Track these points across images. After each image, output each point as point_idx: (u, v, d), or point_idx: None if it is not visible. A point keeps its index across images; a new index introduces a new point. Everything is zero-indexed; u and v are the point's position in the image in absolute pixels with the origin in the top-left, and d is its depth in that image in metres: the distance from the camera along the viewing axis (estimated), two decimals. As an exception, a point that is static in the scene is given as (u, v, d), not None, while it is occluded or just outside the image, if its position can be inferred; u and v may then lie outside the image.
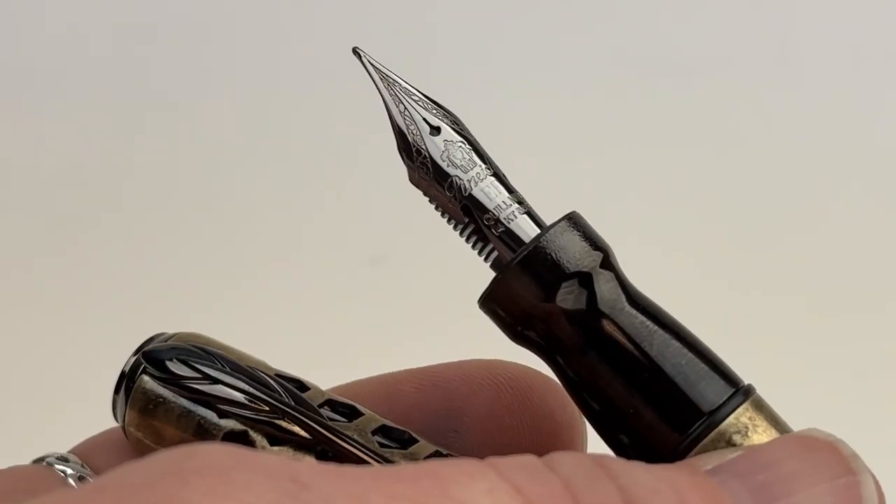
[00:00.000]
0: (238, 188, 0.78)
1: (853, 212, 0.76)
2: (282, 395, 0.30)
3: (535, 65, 0.83)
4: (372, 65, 0.31)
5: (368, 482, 0.21)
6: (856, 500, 0.24)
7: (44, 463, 0.33)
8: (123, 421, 0.32)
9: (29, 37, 0.83)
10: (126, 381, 0.32)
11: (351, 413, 0.32)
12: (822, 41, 0.83)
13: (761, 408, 0.29)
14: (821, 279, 0.72)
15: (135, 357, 0.32)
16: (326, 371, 0.36)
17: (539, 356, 0.31)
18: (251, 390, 0.30)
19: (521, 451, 0.32)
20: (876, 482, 0.25)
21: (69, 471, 0.32)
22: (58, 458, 0.33)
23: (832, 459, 0.25)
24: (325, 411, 0.32)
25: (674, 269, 0.71)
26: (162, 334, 0.33)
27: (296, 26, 0.84)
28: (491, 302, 0.30)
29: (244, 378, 0.30)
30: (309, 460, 0.30)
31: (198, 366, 0.30)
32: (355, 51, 0.31)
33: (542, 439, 0.33)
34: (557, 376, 0.30)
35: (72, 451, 0.34)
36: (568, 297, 0.29)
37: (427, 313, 0.67)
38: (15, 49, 0.83)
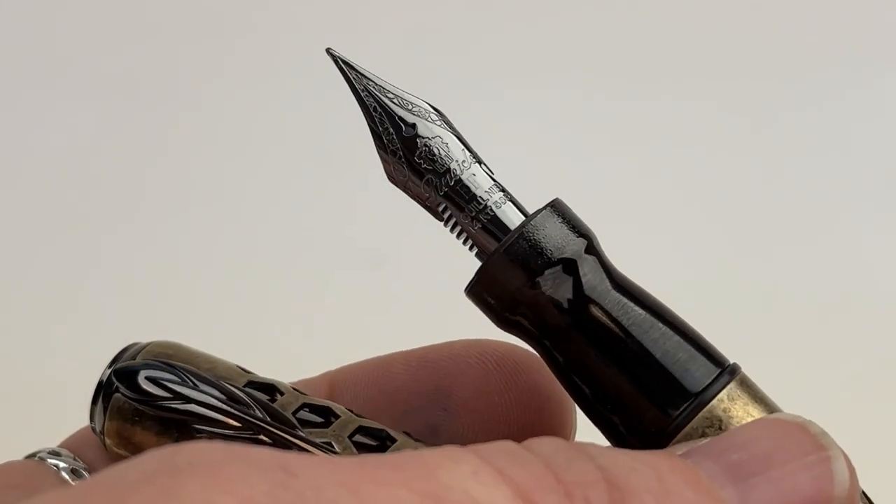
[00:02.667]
0: (236, 187, 0.77)
1: (852, 210, 0.76)
2: (253, 409, 0.30)
3: (528, 60, 0.82)
4: (346, 64, 0.31)
5: (356, 469, 0.21)
6: (828, 474, 0.25)
7: (36, 458, 0.33)
8: (102, 432, 0.32)
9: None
10: (103, 392, 0.31)
11: (327, 417, 0.32)
12: (824, 41, 0.82)
13: (747, 386, 0.29)
14: (820, 276, 0.72)
15: (111, 369, 0.32)
16: (322, 371, 0.37)
17: (527, 342, 0.31)
18: (223, 407, 0.30)
19: (511, 427, 0.32)
20: (846, 458, 0.26)
21: (62, 464, 0.33)
22: (49, 453, 0.33)
23: (802, 438, 0.25)
24: (304, 413, 0.32)
25: (670, 263, 0.71)
26: (135, 344, 0.33)
27: (296, 23, 0.83)
28: (478, 289, 0.30)
29: (214, 394, 0.30)
30: (297, 452, 0.30)
31: (168, 384, 0.30)
32: (328, 52, 0.31)
33: (532, 416, 0.33)
34: (546, 362, 0.31)
35: (62, 445, 0.34)
36: (553, 283, 0.29)
37: (424, 314, 0.67)
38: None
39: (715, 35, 0.83)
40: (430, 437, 0.33)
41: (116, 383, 0.30)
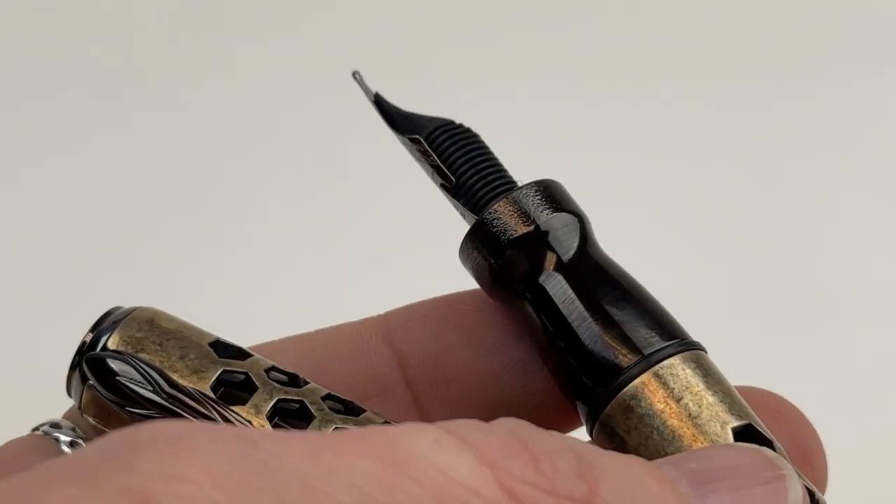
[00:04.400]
0: (236, 187, 0.77)
1: (852, 211, 0.75)
2: (216, 418, 0.30)
3: (532, 60, 0.81)
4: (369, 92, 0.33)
5: (318, 440, 0.21)
6: (782, 491, 0.25)
7: (40, 431, 0.34)
8: (80, 402, 0.32)
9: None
10: (79, 371, 0.31)
11: (302, 414, 0.32)
12: (825, 43, 0.81)
13: (702, 364, 0.30)
14: (820, 275, 0.72)
15: (92, 334, 0.32)
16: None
17: (510, 310, 0.32)
18: (186, 415, 0.30)
19: None
20: (803, 485, 0.26)
21: (62, 437, 0.33)
22: (51, 426, 0.34)
23: (758, 458, 0.26)
24: (283, 404, 0.32)
25: (671, 264, 0.70)
26: (118, 308, 0.33)
27: (297, 27, 0.83)
28: (468, 247, 0.32)
29: (180, 399, 0.30)
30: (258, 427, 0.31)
31: (136, 387, 0.30)
32: (354, 75, 0.33)
33: None
34: (524, 321, 0.32)
35: (65, 417, 0.34)
36: (531, 248, 0.31)
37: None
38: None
39: (714, 35, 0.82)
40: (524, 373, 0.34)
41: (89, 374, 0.31)
